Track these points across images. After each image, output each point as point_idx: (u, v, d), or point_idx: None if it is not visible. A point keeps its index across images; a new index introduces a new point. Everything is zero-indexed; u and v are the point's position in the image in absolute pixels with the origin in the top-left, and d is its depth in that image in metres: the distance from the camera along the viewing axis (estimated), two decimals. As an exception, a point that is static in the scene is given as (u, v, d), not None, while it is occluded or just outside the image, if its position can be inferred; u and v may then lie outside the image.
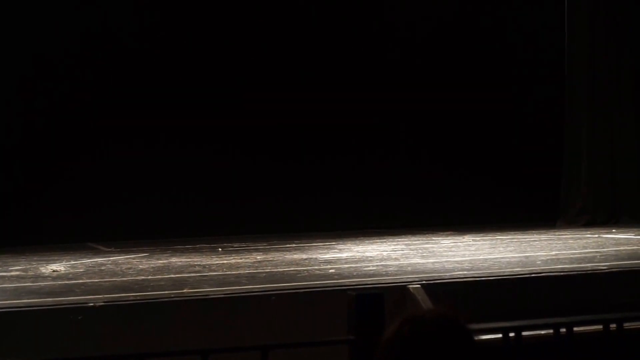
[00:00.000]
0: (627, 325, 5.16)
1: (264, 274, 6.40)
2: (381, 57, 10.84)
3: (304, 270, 6.57)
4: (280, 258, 7.47)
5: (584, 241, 8.49)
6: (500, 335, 4.23)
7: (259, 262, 7.22)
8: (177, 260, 7.52)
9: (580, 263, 6.61)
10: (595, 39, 10.64)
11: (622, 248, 7.79)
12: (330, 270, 6.49)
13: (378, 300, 3.77)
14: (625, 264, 6.48)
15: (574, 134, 10.70)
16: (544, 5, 11.18)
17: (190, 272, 6.61)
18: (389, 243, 8.63)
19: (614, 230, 9.48)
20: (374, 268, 6.59)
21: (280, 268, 6.74)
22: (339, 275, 6.22)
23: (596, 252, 7.44)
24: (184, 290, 5.57)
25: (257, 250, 8.18)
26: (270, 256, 7.63)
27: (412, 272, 6.22)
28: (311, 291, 5.49)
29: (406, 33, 10.96)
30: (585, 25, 10.62)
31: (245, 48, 10.32)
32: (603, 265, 6.36)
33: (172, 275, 6.45)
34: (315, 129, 10.48)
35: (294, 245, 8.55)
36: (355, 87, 10.64)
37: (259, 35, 10.38)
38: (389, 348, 2.06)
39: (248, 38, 10.35)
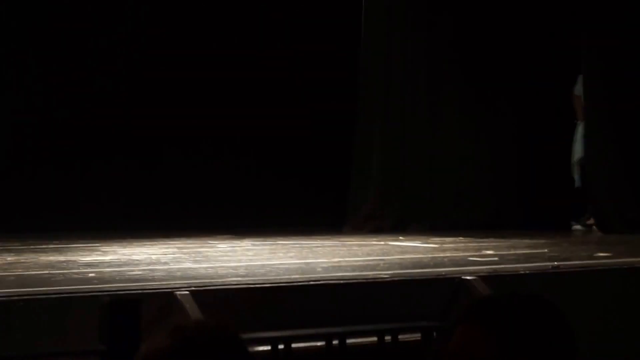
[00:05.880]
0: (402, 337, 5.29)
1: (13, 277, 6.19)
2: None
3: (60, 273, 6.39)
4: (33, 260, 7.25)
5: (369, 248, 8.64)
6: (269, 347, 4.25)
7: (10, 263, 6.98)
8: None
9: (362, 271, 6.71)
10: (392, 41, 10.89)
11: (407, 256, 7.98)
12: (90, 274, 6.35)
13: (133, 307, 3.70)
14: (408, 272, 6.63)
15: (365, 135, 10.89)
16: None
17: None
18: (159, 246, 8.51)
19: (401, 238, 9.68)
20: (140, 272, 6.49)
21: (33, 271, 6.55)
22: (99, 279, 6.08)
23: (380, 259, 7.58)
24: None
25: (8, 250, 7.90)
26: (23, 257, 7.39)
27: (181, 278, 6.15)
28: (64, 297, 5.34)
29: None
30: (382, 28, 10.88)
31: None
32: (385, 274, 6.48)
33: None
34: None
35: (53, 246, 8.32)
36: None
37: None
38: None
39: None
